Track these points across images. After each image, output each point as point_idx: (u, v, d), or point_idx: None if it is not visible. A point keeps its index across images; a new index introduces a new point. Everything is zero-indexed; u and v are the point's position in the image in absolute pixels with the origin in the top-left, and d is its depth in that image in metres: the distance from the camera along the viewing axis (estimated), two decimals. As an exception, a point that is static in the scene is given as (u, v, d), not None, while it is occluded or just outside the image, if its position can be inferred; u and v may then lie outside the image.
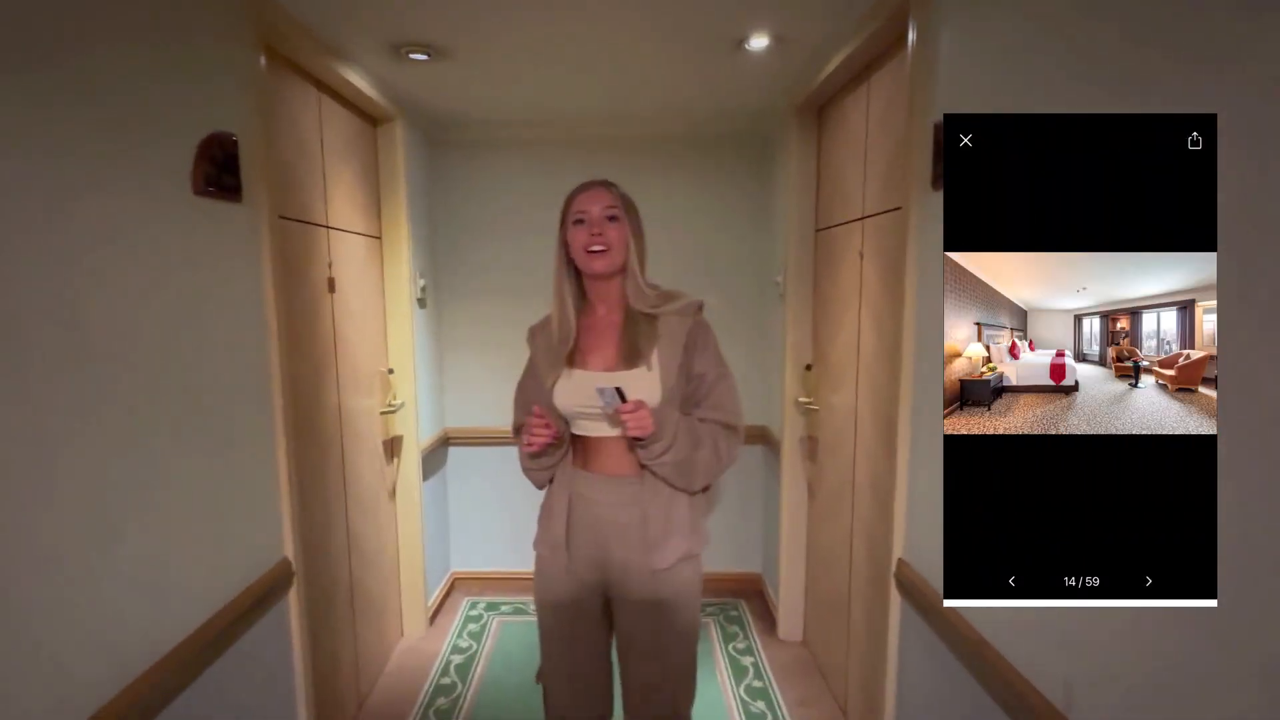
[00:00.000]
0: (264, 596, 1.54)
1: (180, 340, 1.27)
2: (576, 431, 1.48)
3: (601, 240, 1.41)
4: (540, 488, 1.57)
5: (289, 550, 1.66)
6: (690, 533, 1.45)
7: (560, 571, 1.48)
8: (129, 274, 1.14)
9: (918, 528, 1.48)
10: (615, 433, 1.42)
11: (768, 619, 2.87)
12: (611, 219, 1.42)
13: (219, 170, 1.36)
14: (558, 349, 1.48)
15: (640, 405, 1.33)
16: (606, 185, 1.46)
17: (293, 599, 1.67)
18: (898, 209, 1.69)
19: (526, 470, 1.53)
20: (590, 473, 1.48)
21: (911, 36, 1.46)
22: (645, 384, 1.40)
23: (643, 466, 1.43)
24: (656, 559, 1.42)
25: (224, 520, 1.41)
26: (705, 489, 1.51)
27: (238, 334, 1.47)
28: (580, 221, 1.43)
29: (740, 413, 1.48)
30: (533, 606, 2.21)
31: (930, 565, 1.42)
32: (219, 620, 1.36)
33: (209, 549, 1.36)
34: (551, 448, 1.46)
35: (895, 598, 1.57)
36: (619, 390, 1.31)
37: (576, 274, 1.50)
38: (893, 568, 1.57)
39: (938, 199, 1.35)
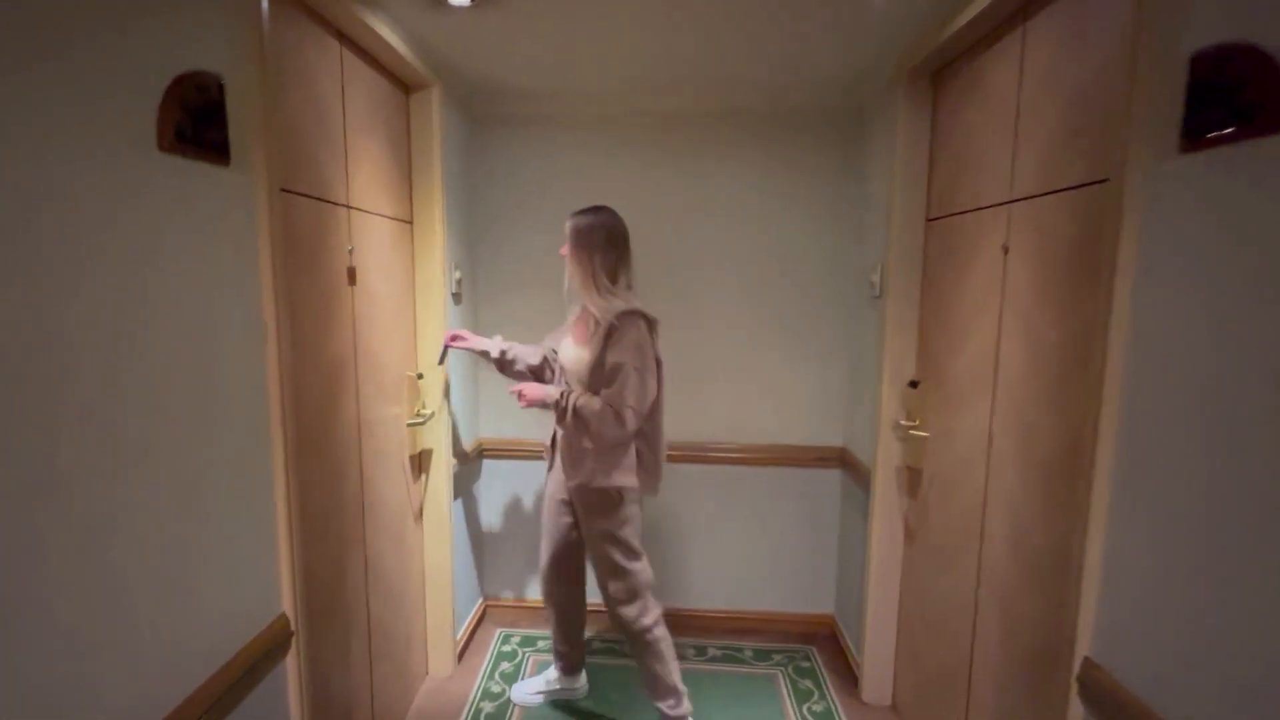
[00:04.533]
0: (252, 667, 1.21)
1: (135, 344, 0.94)
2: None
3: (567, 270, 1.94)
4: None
5: (287, 604, 1.34)
6: (594, 468, 1.93)
7: (549, 481, 2.15)
8: (55, 255, 0.81)
9: (1125, 621, 1.07)
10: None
11: (845, 673, 2.46)
12: (567, 255, 1.92)
13: (196, 122, 1.03)
14: (559, 332, 2.11)
15: (521, 389, 1.95)
16: (568, 220, 1.92)
17: (290, 664, 1.35)
18: (1082, 186, 1.28)
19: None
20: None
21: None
22: (582, 360, 1.91)
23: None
24: (571, 476, 1.98)
25: (195, 584, 1.08)
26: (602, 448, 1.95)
27: (221, 335, 1.14)
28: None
29: (626, 400, 1.82)
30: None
31: (1145, 679, 1.01)
32: (185, 711, 1.03)
33: (171, 624, 1.03)
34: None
35: (1077, 706, 1.17)
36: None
37: None
38: (1075, 668, 1.16)
39: (1188, 165, 0.94)
